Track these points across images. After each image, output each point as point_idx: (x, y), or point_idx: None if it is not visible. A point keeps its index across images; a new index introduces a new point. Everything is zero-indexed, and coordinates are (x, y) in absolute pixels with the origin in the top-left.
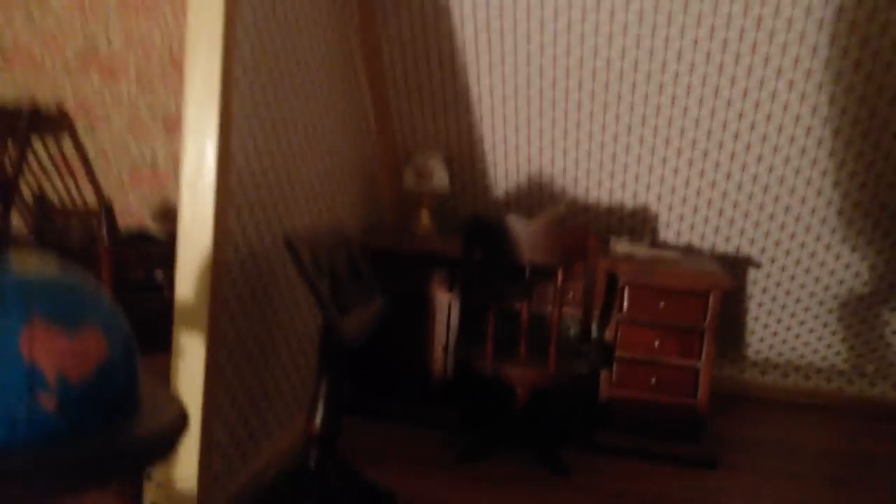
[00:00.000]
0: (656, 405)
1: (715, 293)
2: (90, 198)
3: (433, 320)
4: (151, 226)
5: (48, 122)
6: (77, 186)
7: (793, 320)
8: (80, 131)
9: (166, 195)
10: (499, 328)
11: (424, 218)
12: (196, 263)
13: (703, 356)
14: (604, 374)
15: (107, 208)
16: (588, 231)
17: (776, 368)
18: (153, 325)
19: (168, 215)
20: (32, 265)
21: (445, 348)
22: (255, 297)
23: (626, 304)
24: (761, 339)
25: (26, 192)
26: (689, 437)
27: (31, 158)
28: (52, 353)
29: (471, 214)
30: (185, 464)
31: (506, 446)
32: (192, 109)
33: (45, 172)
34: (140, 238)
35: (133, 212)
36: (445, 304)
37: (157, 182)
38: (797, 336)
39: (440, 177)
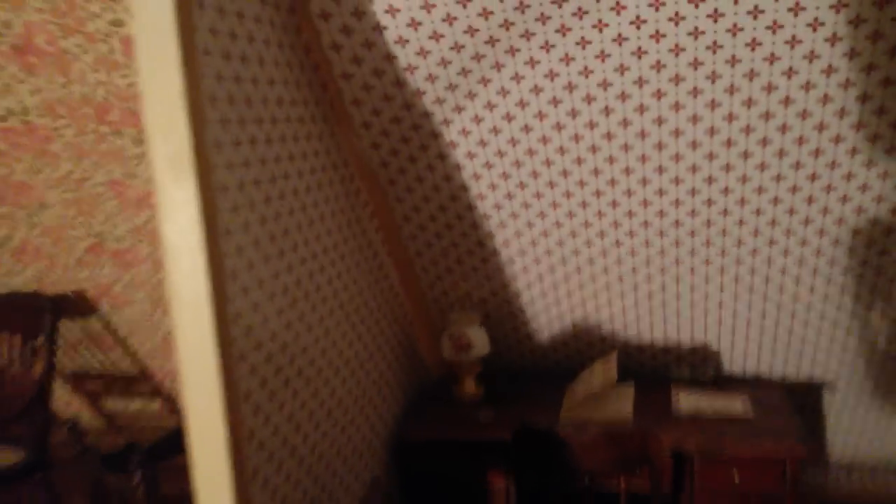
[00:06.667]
0: None
1: (791, 462)
2: (128, 367)
3: None
4: None
5: (72, 307)
6: (112, 359)
7: (878, 425)
8: (106, 313)
9: None
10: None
11: (468, 385)
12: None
13: None
14: None
15: (137, 451)
16: (649, 437)
17: (863, 468)
18: None
19: None
20: None
21: None
22: None
23: (696, 477)
24: (845, 443)
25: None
26: None
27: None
28: None
29: (519, 426)
30: None
31: None
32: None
33: (77, 349)
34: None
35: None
36: (503, 492)
37: None
38: (882, 437)
39: (479, 343)
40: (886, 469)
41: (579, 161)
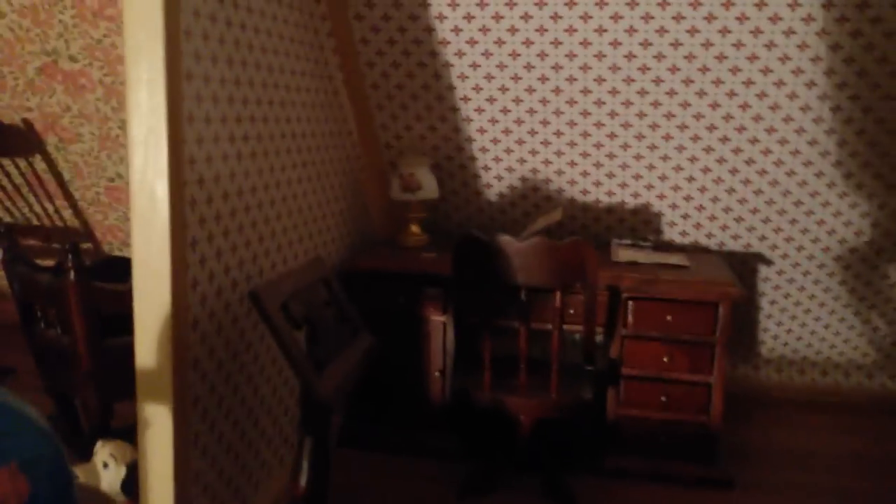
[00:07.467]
0: (667, 424)
1: (724, 304)
2: (70, 219)
3: (428, 343)
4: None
5: (16, 140)
6: (54, 207)
7: (807, 316)
8: (51, 149)
9: None
10: (497, 351)
11: (414, 230)
12: (156, 323)
13: (715, 370)
14: (611, 394)
15: (73, 246)
16: (585, 247)
17: (792, 365)
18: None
19: None
20: None
21: (443, 372)
22: (231, 348)
23: (630, 318)
24: (775, 337)
25: None
26: (703, 455)
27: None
28: None
29: (462, 234)
30: None
31: (509, 477)
32: (136, 120)
33: (18, 194)
34: (117, 265)
35: (116, 230)
36: (440, 327)
37: None
38: (812, 332)
39: (428, 186)
40: (814, 366)
41: (556, 44)
